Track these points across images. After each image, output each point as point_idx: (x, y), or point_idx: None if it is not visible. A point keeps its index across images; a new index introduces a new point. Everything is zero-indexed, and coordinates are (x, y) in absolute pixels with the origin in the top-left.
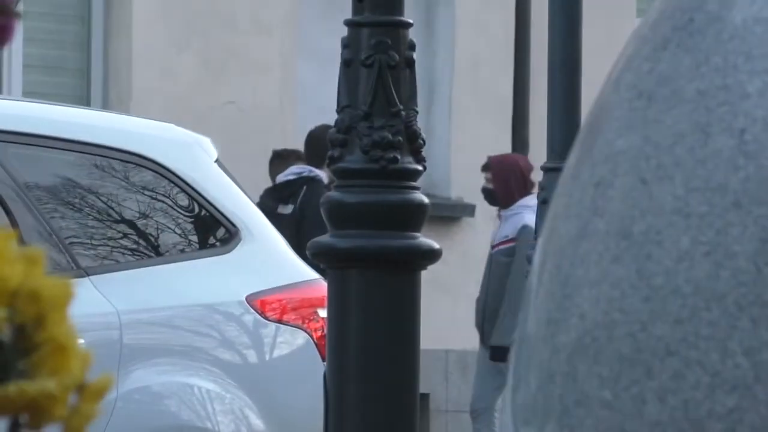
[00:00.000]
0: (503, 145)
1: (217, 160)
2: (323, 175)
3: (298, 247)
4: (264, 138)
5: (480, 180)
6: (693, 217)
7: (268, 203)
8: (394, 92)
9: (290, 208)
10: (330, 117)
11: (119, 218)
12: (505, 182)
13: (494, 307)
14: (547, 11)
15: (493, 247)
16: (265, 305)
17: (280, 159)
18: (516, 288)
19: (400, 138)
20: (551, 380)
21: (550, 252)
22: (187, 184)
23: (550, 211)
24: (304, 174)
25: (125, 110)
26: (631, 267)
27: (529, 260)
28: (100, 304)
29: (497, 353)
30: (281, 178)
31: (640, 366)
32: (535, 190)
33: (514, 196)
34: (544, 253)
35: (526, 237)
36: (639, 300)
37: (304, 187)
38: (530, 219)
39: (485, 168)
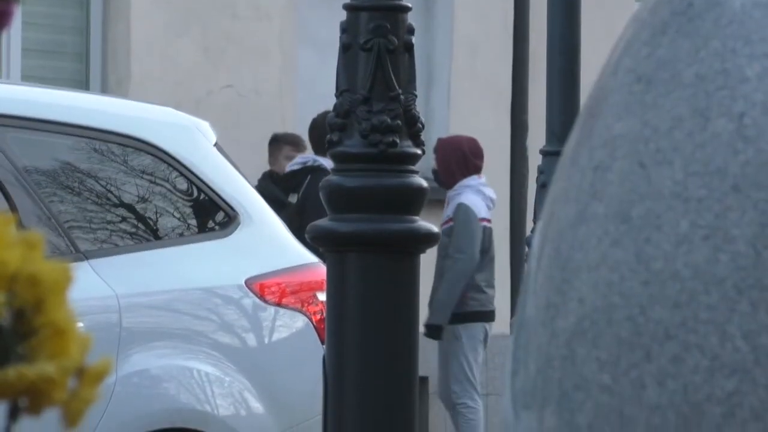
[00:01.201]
0: (502, 130)
1: (216, 144)
2: (328, 163)
3: (300, 234)
4: (263, 123)
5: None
6: (692, 201)
7: (274, 192)
8: (392, 76)
9: (296, 196)
10: (329, 102)
11: (118, 202)
12: (446, 163)
13: (436, 287)
14: None
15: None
16: (264, 289)
17: (276, 143)
18: (453, 268)
19: (399, 122)
20: (550, 364)
21: (549, 236)
22: (186, 168)
23: (549, 195)
24: (309, 164)
25: (124, 94)
26: (629, 251)
27: (528, 244)
28: (99, 287)
29: (432, 332)
30: (288, 167)
31: (639, 350)
32: (480, 172)
33: (455, 177)
34: (543, 237)
35: (462, 216)
36: (638, 284)
37: (308, 177)
38: (467, 198)
39: (435, 151)
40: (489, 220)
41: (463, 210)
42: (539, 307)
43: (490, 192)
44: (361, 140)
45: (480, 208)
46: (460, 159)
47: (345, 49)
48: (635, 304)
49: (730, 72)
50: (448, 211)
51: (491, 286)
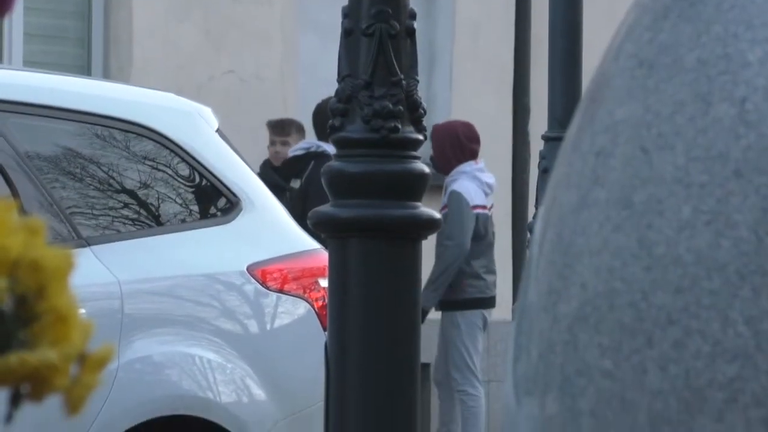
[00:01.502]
0: (504, 114)
1: (217, 130)
2: (331, 149)
3: (303, 220)
4: (265, 108)
5: (482, 149)
6: (694, 187)
7: (274, 178)
8: (394, 61)
9: (299, 182)
10: (331, 87)
11: (120, 188)
12: (442, 149)
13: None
14: None
15: None
16: (266, 275)
17: (270, 128)
18: (443, 255)
19: (401, 107)
20: (552, 350)
21: (551, 221)
22: (188, 153)
23: (551, 180)
24: (312, 149)
25: (126, 80)
26: (631, 236)
27: (530, 229)
28: (101, 273)
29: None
30: (291, 152)
31: (641, 335)
32: (477, 157)
33: (451, 163)
34: (545, 223)
35: (453, 203)
36: (640, 269)
37: (312, 163)
38: (460, 185)
39: (431, 137)
40: (485, 207)
41: (454, 197)
42: (541, 292)
43: (487, 177)
44: (362, 126)
45: (474, 195)
46: (456, 144)
47: (347, 34)
48: (637, 290)
49: (732, 57)
50: (444, 197)
51: (491, 272)
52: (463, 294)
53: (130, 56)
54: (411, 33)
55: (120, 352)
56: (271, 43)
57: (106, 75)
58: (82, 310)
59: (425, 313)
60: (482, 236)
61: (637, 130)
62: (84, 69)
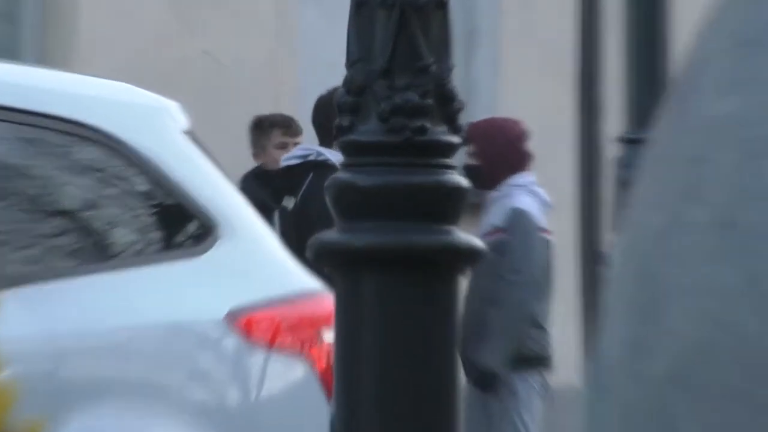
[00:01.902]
0: (564, 109)
1: (188, 132)
2: (335, 156)
3: (300, 251)
4: (250, 102)
5: (536, 154)
6: None
7: (261, 195)
8: (421, 41)
9: (293, 201)
10: (338, 75)
11: (57, 210)
12: (487, 155)
13: (477, 319)
14: None
15: None
16: (251, 325)
17: (260, 128)
18: (510, 294)
19: (430, 101)
20: (637, 422)
21: (632, 251)
22: (148, 162)
23: (632, 196)
24: (310, 157)
25: (67, 66)
26: (738, 269)
27: (604, 262)
28: (29, 324)
29: (485, 380)
30: (283, 161)
31: (755, 404)
32: (530, 165)
33: (498, 173)
34: (625, 253)
35: (518, 224)
36: (751, 313)
37: (310, 175)
38: (523, 201)
39: (466, 140)
40: (548, 231)
41: (518, 217)
42: (621, 344)
43: (543, 193)
44: (379, 125)
45: (537, 215)
46: (509, 149)
47: (358, 6)
48: (748, 341)
49: None
50: (494, 218)
51: (547, 320)
52: (521, 348)
53: (73, 36)
54: (443, 4)
55: (54, 428)
56: (260, 18)
57: (42, 60)
58: (3, 373)
59: (493, 377)
60: (547, 270)
61: (743, 129)
62: (13, 52)
